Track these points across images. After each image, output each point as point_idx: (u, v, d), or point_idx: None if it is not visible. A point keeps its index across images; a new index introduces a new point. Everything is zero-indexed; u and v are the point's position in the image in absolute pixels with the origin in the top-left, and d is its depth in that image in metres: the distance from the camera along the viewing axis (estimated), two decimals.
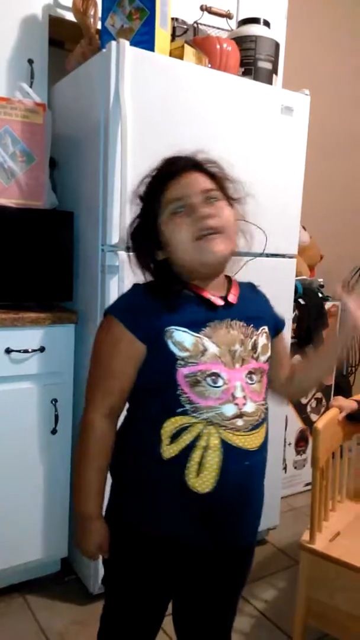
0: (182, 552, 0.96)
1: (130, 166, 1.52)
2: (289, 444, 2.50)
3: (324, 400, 2.61)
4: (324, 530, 1.52)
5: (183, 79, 1.64)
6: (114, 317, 0.92)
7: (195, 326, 0.90)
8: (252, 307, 0.98)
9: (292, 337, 2.19)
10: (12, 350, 1.60)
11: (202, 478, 0.89)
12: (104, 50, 1.56)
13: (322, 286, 2.58)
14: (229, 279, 1.01)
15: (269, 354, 0.97)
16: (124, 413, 0.99)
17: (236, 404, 0.89)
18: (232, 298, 0.96)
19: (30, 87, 1.75)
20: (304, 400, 2.52)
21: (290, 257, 2.00)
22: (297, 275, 2.09)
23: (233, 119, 1.76)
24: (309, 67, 2.63)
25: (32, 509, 1.71)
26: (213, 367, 0.89)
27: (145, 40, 1.63)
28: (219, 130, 1.74)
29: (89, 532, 0.96)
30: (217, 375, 0.89)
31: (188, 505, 0.90)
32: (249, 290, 1.04)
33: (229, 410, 0.89)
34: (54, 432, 1.70)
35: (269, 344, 0.98)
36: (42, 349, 1.65)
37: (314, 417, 2.54)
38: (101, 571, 1.63)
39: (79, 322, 1.73)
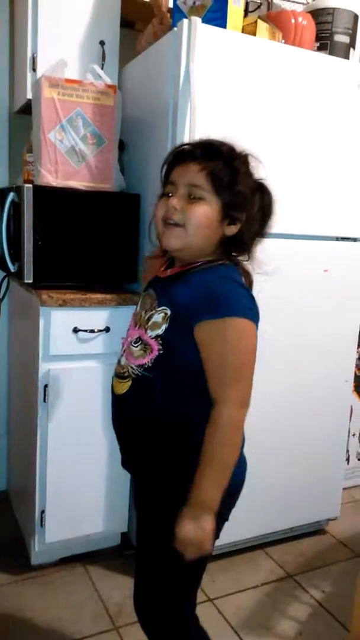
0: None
1: None
2: (354, 435, 2.43)
3: None
4: None
5: (255, 56, 1.60)
6: None
7: (148, 286, 1.13)
8: (173, 290, 1.03)
9: None
10: (80, 330, 1.64)
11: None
12: (175, 28, 1.54)
13: None
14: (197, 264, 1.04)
15: (159, 331, 1.01)
16: None
17: (122, 354, 1.11)
18: (162, 274, 1.08)
19: (102, 68, 1.76)
20: None
21: (357, 240, 1.92)
22: None
23: (306, 96, 1.70)
24: None
25: (95, 484, 1.77)
26: (131, 321, 1.13)
27: (217, 17, 1.60)
28: (292, 108, 1.68)
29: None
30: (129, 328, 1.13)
31: None
32: (198, 280, 1.01)
33: (119, 355, 1.12)
34: None
35: (164, 325, 1.01)
36: (107, 329, 1.68)
37: None
38: None
39: None
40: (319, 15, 1.85)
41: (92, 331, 1.66)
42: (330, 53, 1.83)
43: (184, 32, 1.50)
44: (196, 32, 1.49)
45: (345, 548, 2.03)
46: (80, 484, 1.74)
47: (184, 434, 1.02)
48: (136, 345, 1.05)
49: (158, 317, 1.02)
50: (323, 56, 1.76)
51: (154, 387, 1.03)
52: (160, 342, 1.00)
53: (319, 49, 1.84)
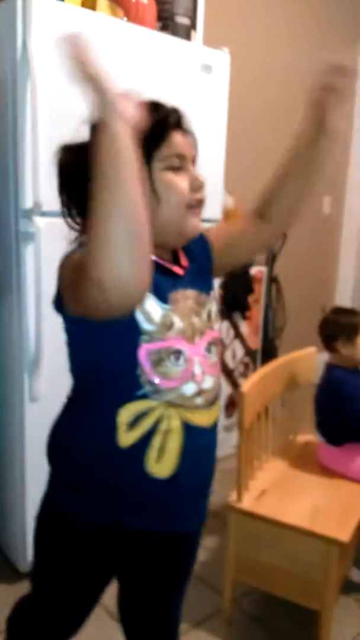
0: (131, 539, 0.92)
1: (42, 123, 1.43)
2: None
3: (251, 365, 2.66)
4: (251, 489, 1.56)
5: (96, 32, 1.55)
6: None
7: (160, 297, 0.81)
8: (197, 270, 0.91)
9: (220, 304, 2.19)
10: None
11: (163, 463, 0.83)
12: None
13: None
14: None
15: (220, 320, 0.93)
16: (65, 395, 0.90)
17: (196, 382, 0.84)
18: (180, 268, 0.87)
19: None
20: (231, 365, 2.55)
21: (215, 222, 1.98)
22: None
23: (150, 76, 1.69)
24: (230, 24, 2.56)
25: None
26: (177, 344, 0.82)
27: None
28: (135, 87, 1.66)
29: None
30: (179, 352, 0.82)
31: (144, 492, 0.85)
32: (189, 249, 0.93)
33: (189, 389, 0.83)
34: None
35: (215, 306, 0.92)
36: None
37: (242, 381, 2.58)
38: (30, 549, 1.60)
39: None
40: None
41: None
42: (172, 34, 1.84)
43: (18, 4, 1.41)
44: (32, 3, 1.40)
45: (216, 518, 2.05)
46: None
47: None
48: (210, 354, 0.88)
49: (214, 305, 0.91)
50: (165, 36, 1.76)
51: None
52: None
53: (161, 29, 1.85)
